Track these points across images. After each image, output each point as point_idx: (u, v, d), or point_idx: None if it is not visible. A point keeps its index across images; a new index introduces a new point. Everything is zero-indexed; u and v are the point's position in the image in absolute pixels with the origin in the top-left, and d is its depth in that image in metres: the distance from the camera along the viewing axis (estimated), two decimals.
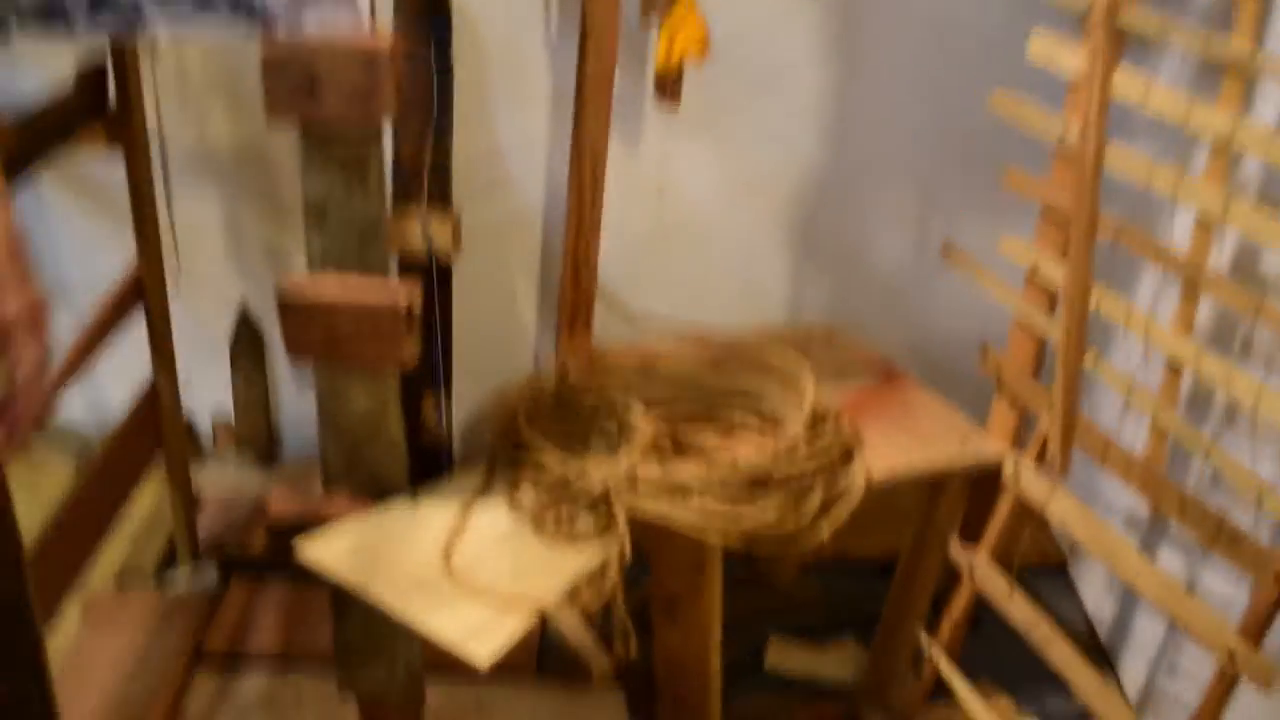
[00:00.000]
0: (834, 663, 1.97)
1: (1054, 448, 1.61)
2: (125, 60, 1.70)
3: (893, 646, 1.84)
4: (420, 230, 1.86)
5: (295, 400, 2.38)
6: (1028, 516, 1.69)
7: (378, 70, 1.32)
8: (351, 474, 1.51)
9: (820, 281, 2.32)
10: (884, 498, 1.60)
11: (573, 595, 1.38)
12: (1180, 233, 1.80)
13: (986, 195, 1.92)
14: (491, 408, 1.66)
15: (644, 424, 1.54)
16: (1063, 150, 1.60)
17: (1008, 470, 1.68)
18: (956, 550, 1.75)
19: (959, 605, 1.74)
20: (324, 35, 1.29)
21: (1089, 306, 1.55)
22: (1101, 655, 2.05)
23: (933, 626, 1.81)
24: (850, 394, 1.81)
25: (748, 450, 1.54)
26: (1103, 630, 2.09)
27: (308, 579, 1.42)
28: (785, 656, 1.97)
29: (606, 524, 1.44)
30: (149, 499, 2.18)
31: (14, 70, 1.99)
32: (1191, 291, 1.45)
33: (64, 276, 2.12)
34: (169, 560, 2.08)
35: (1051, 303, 1.68)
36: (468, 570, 1.37)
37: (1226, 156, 1.40)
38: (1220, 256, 1.60)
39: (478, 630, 1.27)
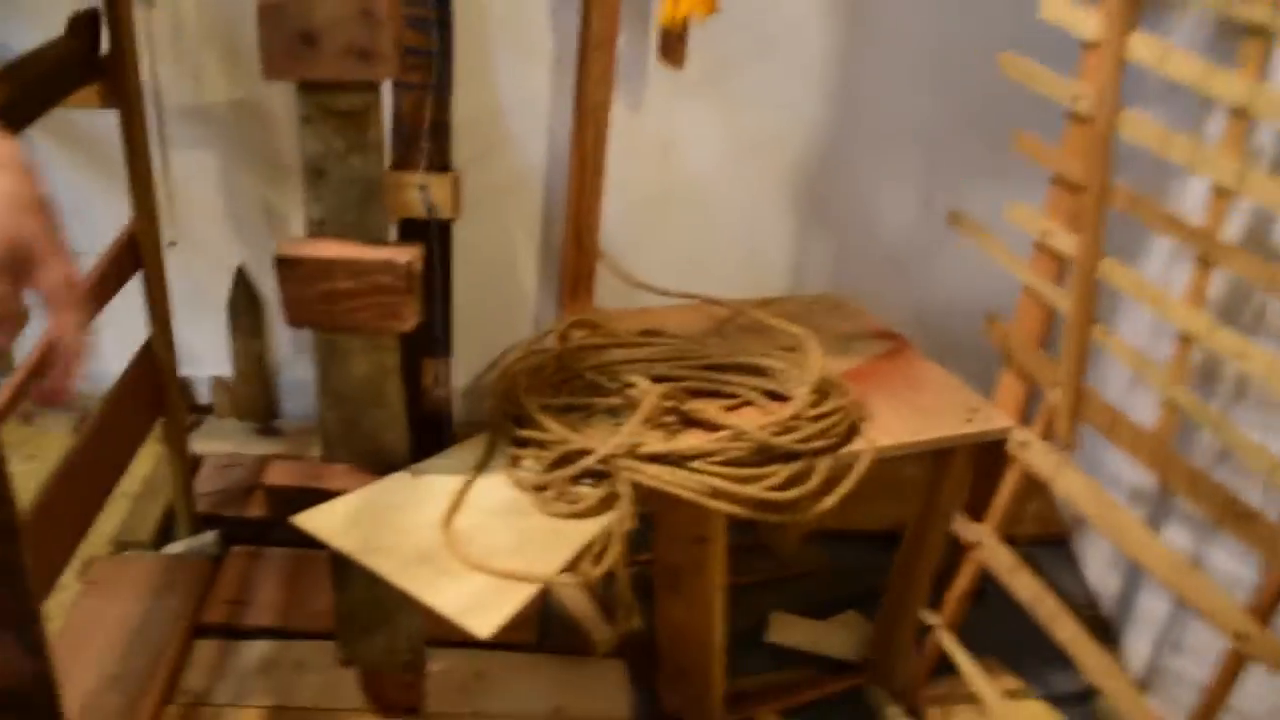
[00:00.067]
0: (836, 637, 1.95)
1: (1061, 421, 1.59)
2: (118, 10, 1.66)
3: (896, 621, 1.82)
4: (419, 191, 1.83)
5: (294, 363, 2.35)
6: (1034, 490, 1.67)
7: (377, 24, 1.29)
8: (351, 442, 1.49)
9: (824, 248, 2.29)
10: (888, 469, 1.58)
11: (575, 568, 1.36)
12: (1191, 198, 1.78)
13: (994, 161, 1.89)
14: (493, 377, 1.64)
15: (647, 394, 1.52)
16: (1075, 115, 1.57)
17: (1014, 444, 1.66)
18: (961, 524, 1.73)
19: (963, 580, 1.73)
20: None
21: (1099, 277, 1.52)
22: (1104, 630, 2.03)
23: (936, 600, 1.79)
24: (855, 364, 1.79)
25: (752, 421, 1.52)
26: (1106, 604, 2.07)
27: (308, 544, 1.41)
28: (787, 630, 1.96)
29: (609, 496, 1.42)
30: (147, 464, 2.16)
31: (6, 25, 1.95)
32: (1205, 263, 1.43)
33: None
34: (167, 526, 2.06)
35: (1060, 272, 1.65)
36: (469, 542, 1.35)
37: (1244, 123, 1.37)
38: (1233, 225, 1.57)
39: (479, 603, 1.26)
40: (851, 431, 1.59)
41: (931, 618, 1.78)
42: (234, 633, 1.85)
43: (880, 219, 2.27)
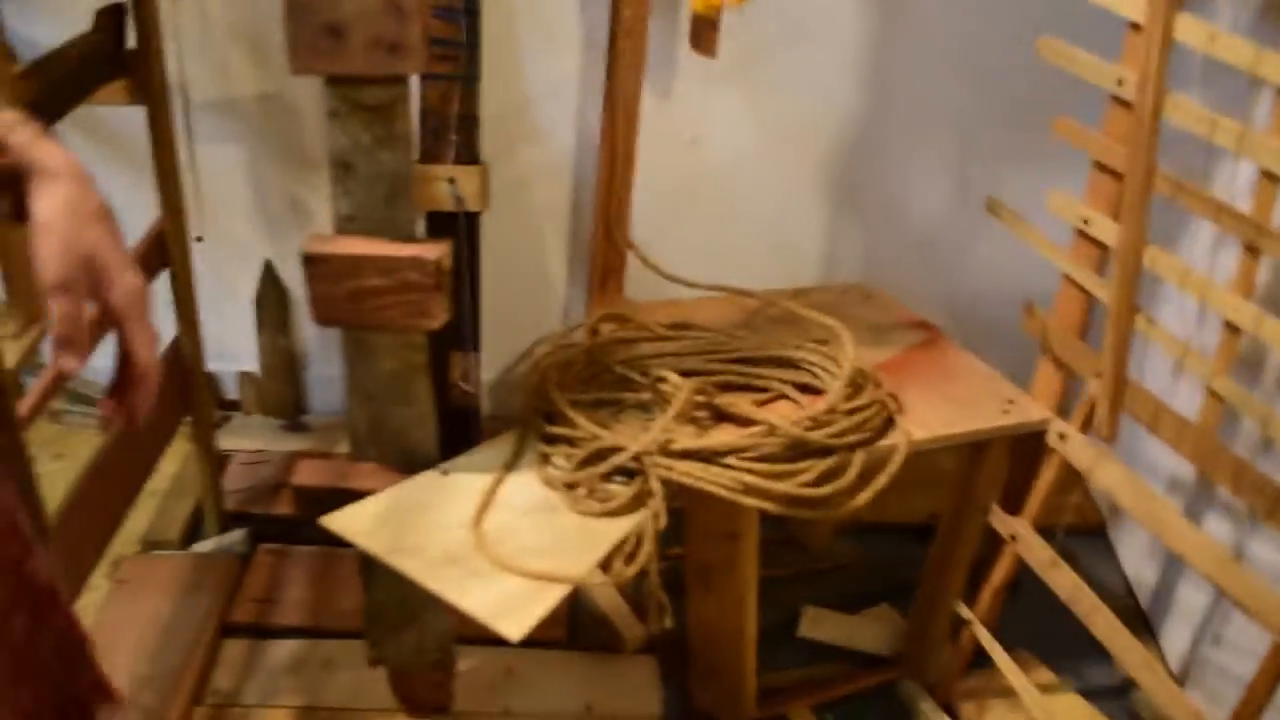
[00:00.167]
0: (869, 631, 1.93)
1: (1102, 413, 1.56)
2: (144, 5, 1.65)
3: (931, 616, 1.80)
4: (448, 185, 1.81)
5: (322, 358, 2.34)
6: (1072, 483, 1.64)
7: (405, 17, 1.27)
8: (379, 440, 1.48)
9: (856, 237, 2.26)
10: (922, 460, 1.55)
11: (607, 567, 1.34)
12: (1233, 181, 1.74)
13: (1031, 147, 1.86)
14: (522, 372, 1.62)
15: (678, 390, 1.50)
16: (1117, 99, 1.53)
17: (1053, 436, 1.63)
18: (998, 518, 1.70)
19: (999, 574, 1.70)
20: None
21: (1142, 265, 1.49)
22: (1142, 621, 2.01)
23: (971, 593, 1.77)
24: (889, 355, 1.76)
25: (785, 415, 1.49)
26: (1143, 596, 2.04)
27: (336, 542, 1.39)
28: (820, 625, 1.94)
29: (640, 494, 1.40)
30: (175, 462, 2.16)
31: (33, 17, 1.94)
32: (1253, 251, 1.39)
33: None
34: (196, 524, 2.06)
35: (1101, 261, 1.62)
36: (499, 542, 1.33)
37: None
38: (1277, 208, 1.54)
39: (509, 605, 1.24)
40: (886, 425, 1.56)
41: (966, 612, 1.75)
42: (263, 632, 1.85)
43: (914, 207, 2.24)
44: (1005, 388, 1.70)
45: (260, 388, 2.34)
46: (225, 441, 2.22)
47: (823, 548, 2.11)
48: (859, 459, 1.49)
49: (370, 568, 1.50)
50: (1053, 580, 1.62)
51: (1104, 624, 1.55)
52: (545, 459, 1.49)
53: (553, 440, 1.50)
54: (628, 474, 1.44)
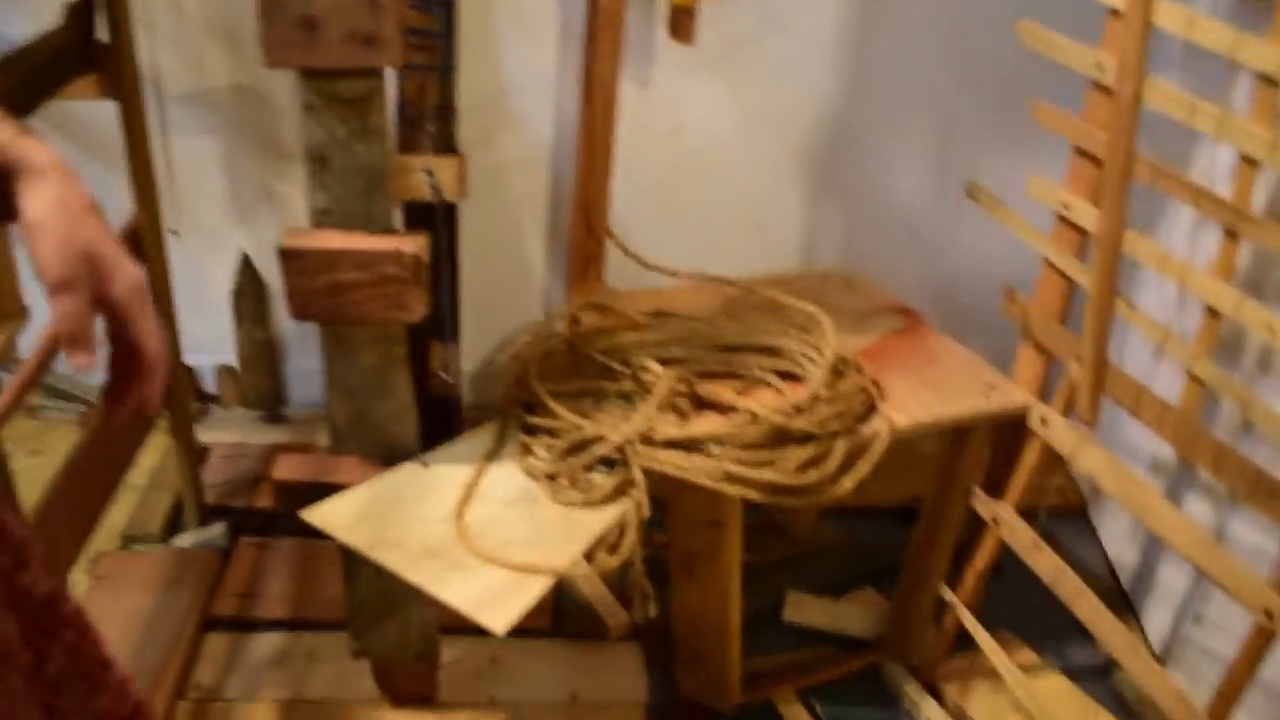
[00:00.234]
0: (853, 615, 1.94)
1: (1083, 397, 1.57)
2: None
3: (914, 599, 1.80)
4: (425, 175, 1.80)
5: (300, 350, 2.33)
6: (1054, 466, 1.64)
7: (381, 9, 1.26)
8: (359, 434, 1.47)
9: (837, 223, 2.26)
10: (905, 444, 1.56)
11: (589, 557, 1.34)
12: (1213, 165, 1.75)
13: (1012, 132, 1.86)
14: (502, 362, 1.61)
15: (659, 379, 1.50)
16: (1097, 85, 1.53)
17: (1034, 420, 1.63)
18: (981, 501, 1.71)
19: (982, 557, 1.70)
20: None
21: (1122, 250, 1.49)
22: (1124, 601, 2.02)
23: (953, 575, 1.77)
24: (870, 341, 1.76)
25: (767, 403, 1.49)
26: (1125, 576, 2.05)
27: (318, 534, 1.39)
28: (804, 609, 1.94)
29: (623, 484, 1.40)
30: (154, 456, 2.14)
31: (2, 15, 1.92)
32: (1232, 236, 1.40)
33: None
34: (176, 518, 2.05)
35: (1081, 246, 1.62)
36: (481, 534, 1.33)
37: (1274, 91, 1.33)
38: (1257, 194, 1.54)
39: (493, 597, 1.24)
40: (868, 411, 1.57)
41: (949, 595, 1.76)
42: (245, 625, 1.84)
43: (894, 193, 2.23)
44: (986, 372, 1.70)
45: (239, 380, 2.32)
46: (204, 435, 2.21)
47: (806, 532, 2.11)
48: (841, 446, 1.49)
49: (352, 561, 1.49)
50: (1035, 563, 1.62)
51: (1087, 607, 1.56)
52: (527, 450, 1.48)
53: (534, 431, 1.50)
54: (610, 464, 1.43)
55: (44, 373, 0.86)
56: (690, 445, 1.44)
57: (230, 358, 2.31)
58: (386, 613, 1.56)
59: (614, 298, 1.82)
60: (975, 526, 1.74)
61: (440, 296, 1.85)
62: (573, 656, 1.82)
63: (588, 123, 1.83)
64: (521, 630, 1.24)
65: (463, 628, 1.28)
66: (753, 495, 1.42)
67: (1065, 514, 2.21)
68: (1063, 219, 1.62)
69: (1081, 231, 1.60)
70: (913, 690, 1.79)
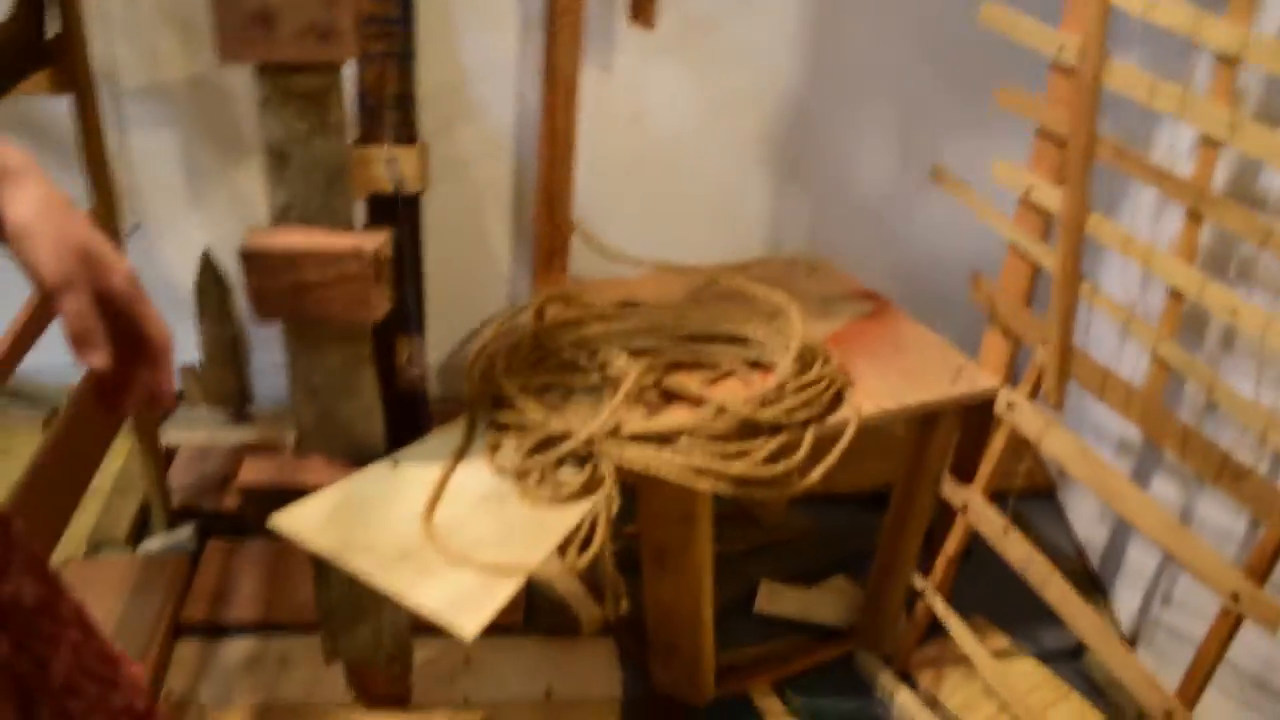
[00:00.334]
0: (826, 603, 1.94)
1: (1049, 381, 1.57)
2: None
3: (886, 586, 1.80)
4: (386, 166, 1.78)
5: (265, 346, 2.30)
6: (1023, 450, 1.65)
7: (336, 3, 1.24)
8: (326, 434, 1.45)
9: (802, 207, 2.25)
10: (874, 430, 1.56)
11: (560, 555, 1.33)
12: (1175, 144, 1.75)
13: (977, 114, 1.85)
14: (469, 356, 1.60)
15: (626, 373, 1.48)
16: (1059, 66, 1.53)
17: (1001, 405, 1.63)
18: (950, 488, 1.71)
19: (952, 544, 1.71)
20: None
21: (1085, 234, 1.49)
22: (1093, 583, 2.03)
23: (924, 561, 1.78)
24: (837, 327, 1.76)
25: (735, 394, 1.49)
26: (1094, 557, 2.07)
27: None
28: (776, 599, 1.94)
29: (592, 480, 1.39)
30: (118, 459, 2.12)
31: None
32: (1195, 217, 1.40)
33: None
34: (143, 521, 2.02)
35: (1046, 228, 1.62)
36: (450, 535, 1.32)
37: (1233, 70, 1.33)
38: (1217, 173, 1.54)
39: (463, 600, 1.23)
40: (836, 400, 1.56)
41: (921, 582, 1.76)
42: (216, 630, 1.82)
43: (859, 176, 2.23)
44: (954, 357, 1.70)
45: (203, 379, 2.29)
46: (169, 435, 2.18)
47: (776, 521, 2.11)
48: (810, 436, 1.49)
49: (322, 564, 1.48)
50: (1005, 550, 1.63)
51: (1056, 592, 1.56)
52: (495, 447, 1.47)
53: (502, 427, 1.49)
54: (579, 460, 1.42)
55: (5, 376, 0.85)
56: (659, 439, 1.43)
57: (193, 356, 2.28)
58: (358, 616, 1.55)
59: (580, 289, 1.80)
60: (945, 512, 1.74)
61: (404, 289, 1.83)
62: (546, 653, 1.81)
63: (549, 113, 1.81)
64: (494, 628, 1.23)
65: (436, 628, 1.27)
66: (722, 488, 1.42)
67: (1034, 496, 2.22)
68: (1027, 202, 1.62)
69: (1046, 214, 1.60)
70: (886, 679, 1.79)
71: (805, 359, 1.57)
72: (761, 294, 1.70)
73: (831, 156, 2.20)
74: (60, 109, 1.68)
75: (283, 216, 1.35)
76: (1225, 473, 1.37)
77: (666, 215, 2.22)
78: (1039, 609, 1.59)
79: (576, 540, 1.35)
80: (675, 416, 1.48)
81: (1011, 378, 1.69)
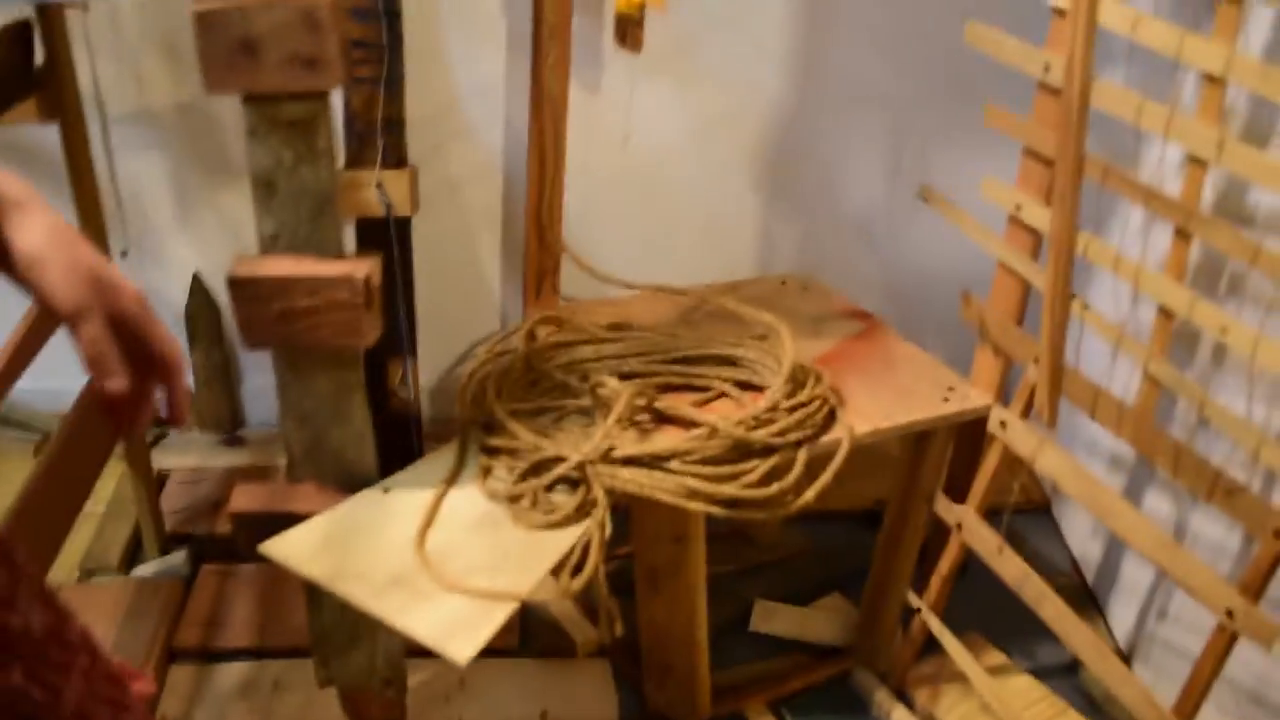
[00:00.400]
0: (821, 622, 1.93)
1: (1041, 399, 1.57)
2: (51, 20, 1.60)
3: (881, 605, 1.80)
4: (376, 190, 1.78)
5: (257, 370, 2.30)
6: (1017, 466, 1.64)
7: (321, 30, 1.23)
8: (317, 461, 1.44)
9: (792, 226, 2.26)
10: (867, 448, 1.55)
11: (554, 579, 1.32)
12: (1163, 161, 1.75)
13: (965, 130, 1.86)
14: (460, 380, 1.60)
15: (618, 395, 1.48)
16: (1045, 85, 1.53)
17: (994, 423, 1.63)
18: (944, 506, 1.71)
19: (947, 562, 1.70)
20: None
21: (1075, 252, 1.49)
22: (1089, 597, 2.03)
23: (919, 579, 1.77)
24: (828, 347, 1.76)
25: (726, 415, 1.49)
26: (1089, 572, 2.06)
27: None
28: (771, 619, 1.94)
29: (584, 503, 1.39)
30: (110, 484, 2.11)
31: None
32: (1184, 235, 1.40)
33: None
34: (136, 547, 2.02)
35: (1036, 246, 1.62)
36: (443, 561, 1.31)
37: (1219, 90, 1.34)
38: (1205, 191, 1.55)
39: (457, 626, 1.22)
40: (828, 420, 1.56)
41: (916, 600, 1.76)
42: (210, 655, 1.81)
43: (849, 195, 2.23)
44: (945, 375, 1.70)
45: (195, 402, 2.29)
46: (162, 460, 2.18)
47: (771, 540, 2.11)
48: (802, 456, 1.49)
49: (314, 590, 1.47)
50: (1000, 568, 1.63)
51: (1052, 609, 1.56)
52: (487, 471, 1.47)
53: (494, 452, 1.48)
54: (571, 483, 1.42)
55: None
56: (651, 462, 1.43)
57: (186, 380, 2.27)
58: (352, 640, 1.54)
59: (571, 311, 1.80)
60: (940, 529, 1.74)
61: (396, 312, 1.83)
62: (542, 675, 1.81)
63: (537, 135, 1.81)
64: (490, 650, 1.22)
65: (430, 650, 1.27)
66: (715, 511, 1.41)
67: (1029, 511, 2.22)
68: (1016, 220, 1.62)
69: (1035, 232, 1.60)
70: (883, 697, 1.79)
71: (797, 379, 1.57)
72: (752, 314, 1.70)
73: (821, 175, 2.20)
74: (48, 135, 1.68)
75: (270, 246, 1.35)
76: (1218, 490, 1.37)
77: (657, 235, 2.22)
78: (1035, 625, 1.59)
79: (569, 564, 1.34)
80: (667, 439, 1.47)
81: (1004, 395, 1.69)
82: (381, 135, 1.76)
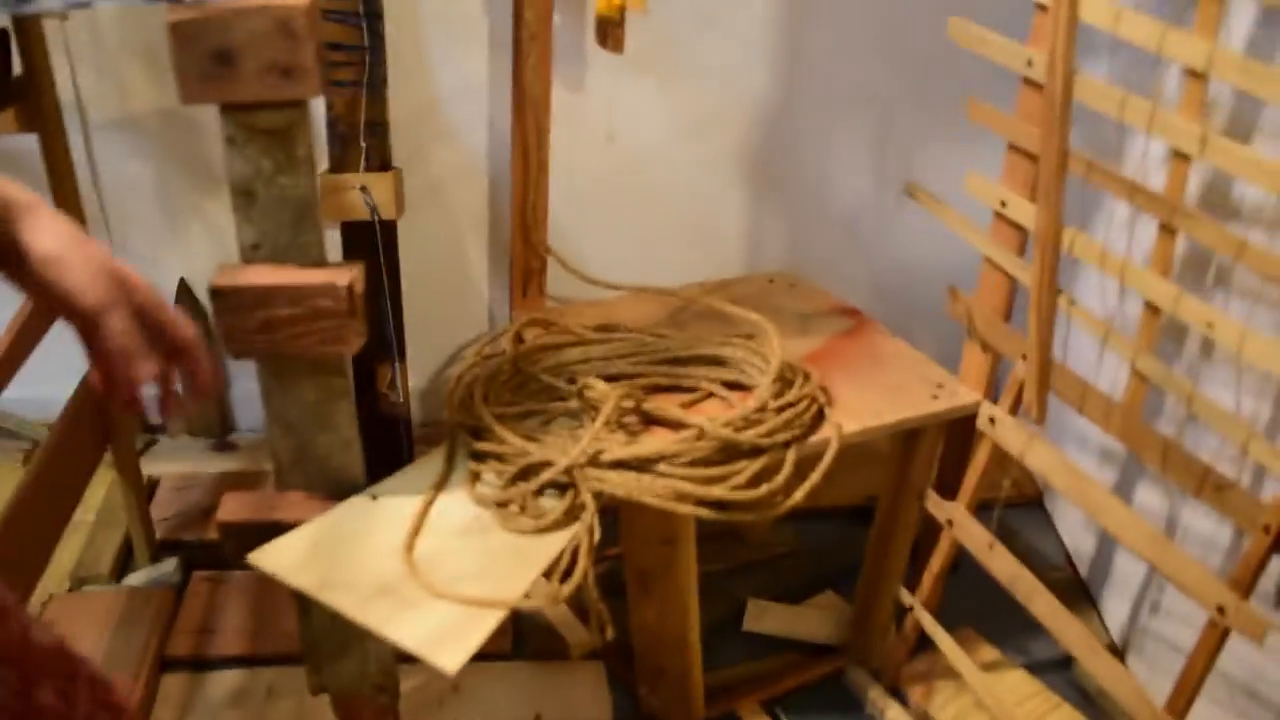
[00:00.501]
0: (814, 620, 1.93)
1: (1030, 395, 1.57)
2: (29, 31, 1.59)
3: (873, 603, 1.80)
4: (360, 193, 1.77)
5: (245, 374, 2.28)
6: (1008, 461, 1.64)
7: (297, 39, 1.22)
8: (304, 469, 1.44)
9: (779, 223, 2.25)
10: (857, 444, 1.55)
11: (543, 584, 1.32)
12: (1146, 155, 1.74)
13: (950, 126, 1.85)
14: (448, 383, 1.59)
15: (605, 398, 1.48)
16: (1028, 80, 1.53)
17: (983, 420, 1.63)
18: (934, 503, 1.71)
19: (938, 559, 1.70)
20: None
21: (1061, 248, 1.49)
22: (1082, 591, 2.03)
23: (912, 575, 1.77)
24: (816, 345, 1.75)
25: (715, 416, 1.48)
26: (1082, 565, 2.06)
27: None
28: (764, 618, 1.94)
29: (573, 508, 1.38)
30: (99, 492, 2.10)
31: None
32: (1169, 230, 1.39)
33: None
34: (126, 555, 2.01)
35: (1022, 242, 1.62)
36: (432, 568, 1.31)
37: (1202, 84, 1.33)
38: (1189, 185, 1.54)
39: (446, 634, 1.22)
40: (817, 419, 1.55)
41: (909, 598, 1.75)
42: (202, 664, 1.81)
43: (835, 191, 2.23)
44: (934, 372, 1.70)
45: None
46: (151, 467, 2.17)
47: (762, 538, 2.10)
48: (791, 457, 1.48)
49: (304, 597, 1.46)
50: (991, 564, 1.62)
51: (1044, 605, 1.56)
52: (475, 477, 1.46)
53: (481, 457, 1.48)
54: (560, 488, 1.42)
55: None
56: (639, 465, 1.42)
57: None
58: (343, 647, 1.54)
59: (557, 312, 1.80)
60: (931, 525, 1.74)
61: (383, 316, 1.82)
62: (535, 678, 1.80)
63: (520, 136, 1.81)
64: (482, 654, 1.22)
65: None
66: (704, 513, 1.41)
67: (1021, 504, 2.22)
68: (1001, 216, 1.61)
69: (1021, 228, 1.60)
70: (877, 694, 1.78)
71: (785, 378, 1.57)
72: (739, 314, 1.70)
73: (807, 172, 2.20)
74: (31, 143, 1.67)
75: (252, 255, 1.34)
76: (1207, 485, 1.37)
77: (643, 235, 2.21)
78: (1028, 620, 1.59)
79: (559, 569, 1.34)
80: (655, 441, 1.47)
81: (993, 391, 1.69)
82: (365, 138, 1.75)
